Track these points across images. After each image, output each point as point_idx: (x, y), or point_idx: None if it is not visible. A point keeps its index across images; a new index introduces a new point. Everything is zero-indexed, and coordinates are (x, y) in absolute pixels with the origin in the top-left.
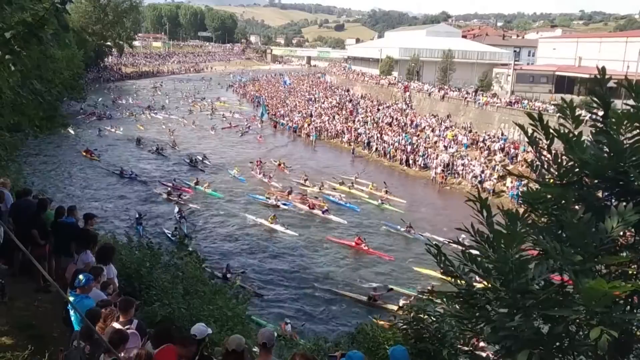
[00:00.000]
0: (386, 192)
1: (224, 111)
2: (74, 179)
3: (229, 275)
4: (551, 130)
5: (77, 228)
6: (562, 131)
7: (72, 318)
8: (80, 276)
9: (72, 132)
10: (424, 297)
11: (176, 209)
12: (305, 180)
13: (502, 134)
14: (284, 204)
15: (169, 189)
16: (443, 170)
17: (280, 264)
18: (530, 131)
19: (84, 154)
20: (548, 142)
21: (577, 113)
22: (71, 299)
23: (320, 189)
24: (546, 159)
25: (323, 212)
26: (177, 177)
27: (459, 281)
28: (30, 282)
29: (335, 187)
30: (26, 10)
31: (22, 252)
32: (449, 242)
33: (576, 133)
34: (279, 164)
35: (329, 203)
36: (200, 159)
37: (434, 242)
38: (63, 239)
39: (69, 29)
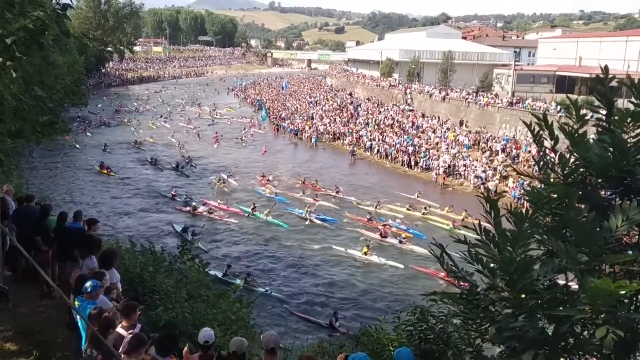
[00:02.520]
0: (466, 217)
1: (229, 117)
2: (85, 192)
3: (337, 325)
4: (556, 129)
5: (82, 233)
6: (567, 130)
7: (79, 324)
8: (88, 283)
9: (77, 146)
10: (428, 298)
11: (178, 227)
12: (337, 192)
13: (507, 134)
14: (323, 219)
15: (193, 203)
16: (445, 171)
17: (376, 305)
18: (536, 129)
19: (99, 169)
20: (553, 141)
21: (581, 112)
22: (77, 304)
23: (376, 208)
24: (551, 158)
25: (400, 242)
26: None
27: (462, 282)
28: (34, 288)
29: (410, 213)
30: (27, 16)
31: (26, 257)
32: (455, 241)
33: (580, 132)
34: (303, 181)
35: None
36: (226, 177)
37: (438, 242)
38: (68, 244)
39: (69, 35)
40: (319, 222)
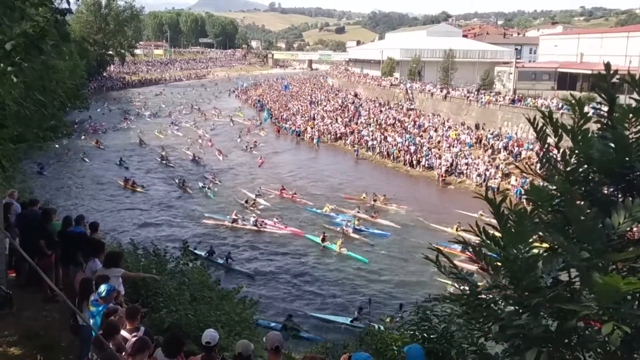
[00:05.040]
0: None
1: (239, 120)
2: (109, 209)
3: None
4: (559, 126)
5: (85, 237)
6: (569, 127)
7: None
8: (102, 287)
9: (87, 160)
10: (431, 299)
11: (201, 251)
12: (375, 200)
13: (509, 132)
14: (373, 234)
15: (233, 217)
16: (447, 170)
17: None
18: (539, 126)
19: (124, 184)
20: (556, 139)
21: (584, 109)
22: (92, 308)
23: (457, 231)
24: (553, 155)
25: None
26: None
27: (462, 284)
28: (38, 292)
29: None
30: (26, 20)
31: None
32: (456, 241)
33: (583, 129)
34: (363, 197)
35: None
36: (254, 197)
37: (434, 246)
38: (71, 248)
39: (69, 39)
40: (357, 235)
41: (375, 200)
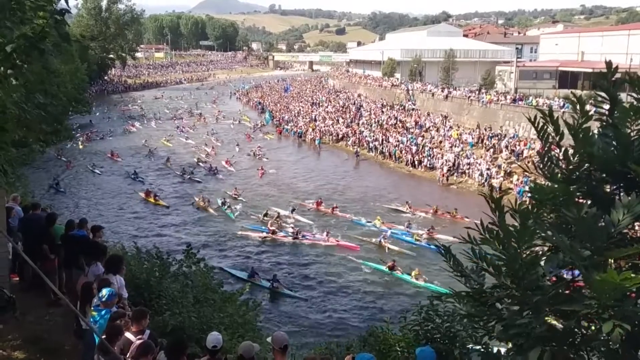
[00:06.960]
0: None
1: (248, 125)
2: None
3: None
4: (560, 123)
5: (87, 240)
6: (570, 126)
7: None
8: (104, 291)
9: (98, 172)
10: (434, 297)
11: (241, 274)
12: (409, 207)
13: (513, 131)
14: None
15: (271, 228)
16: (449, 170)
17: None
18: (540, 125)
19: (145, 196)
20: (558, 137)
21: (586, 108)
22: (94, 313)
23: None
24: (555, 153)
25: None
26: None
27: (467, 281)
28: (41, 296)
29: None
30: (25, 23)
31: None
32: (460, 240)
33: (584, 127)
34: (435, 210)
35: None
36: (288, 213)
37: (442, 244)
38: (73, 252)
39: (69, 40)
40: (396, 247)
41: (434, 212)
